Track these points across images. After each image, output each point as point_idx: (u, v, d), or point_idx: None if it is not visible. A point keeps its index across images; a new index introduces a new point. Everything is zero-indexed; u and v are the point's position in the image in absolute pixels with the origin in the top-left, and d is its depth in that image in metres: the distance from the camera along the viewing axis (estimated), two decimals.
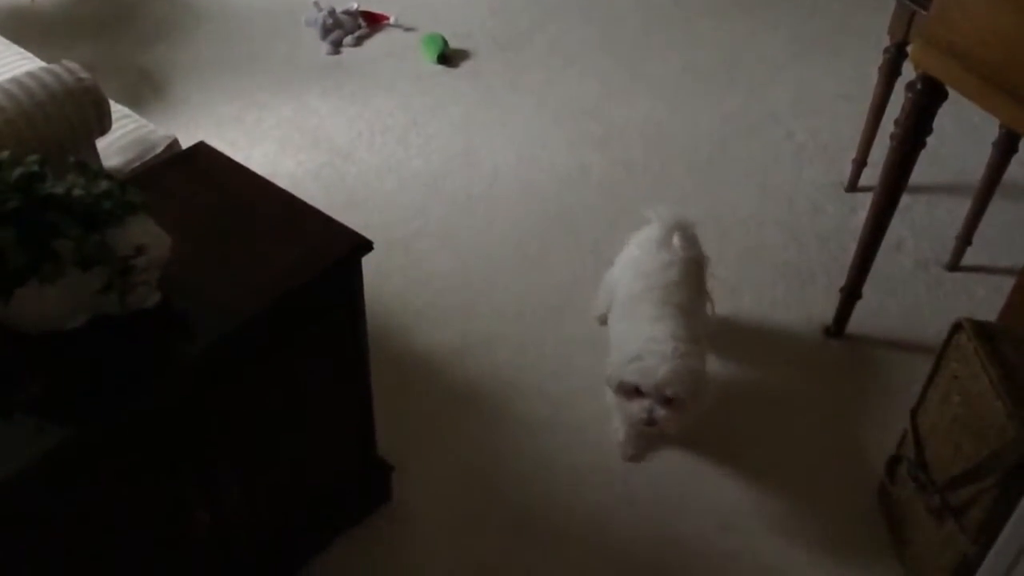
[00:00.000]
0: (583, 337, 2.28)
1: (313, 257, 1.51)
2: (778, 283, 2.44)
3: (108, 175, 1.35)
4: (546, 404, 2.15)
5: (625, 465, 2.03)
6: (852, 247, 2.23)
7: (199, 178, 1.63)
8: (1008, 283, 2.32)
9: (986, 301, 2.39)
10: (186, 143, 2.79)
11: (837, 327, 2.29)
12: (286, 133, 2.86)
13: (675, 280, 2.00)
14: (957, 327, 1.68)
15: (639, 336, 1.92)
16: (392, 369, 2.20)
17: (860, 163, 2.65)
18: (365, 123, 2.91)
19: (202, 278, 1.46)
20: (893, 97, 2.43)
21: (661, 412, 1.87)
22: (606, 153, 2.82)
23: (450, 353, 2.25)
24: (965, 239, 2.43)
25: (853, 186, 2.69)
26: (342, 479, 1.81)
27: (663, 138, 2.88)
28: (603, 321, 2.22)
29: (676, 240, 2.07)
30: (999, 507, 1.54)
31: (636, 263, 2.06)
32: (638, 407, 1.89)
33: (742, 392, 2.18)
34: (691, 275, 2.05)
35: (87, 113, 1.61)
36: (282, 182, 2.65)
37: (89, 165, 1.34)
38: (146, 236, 1.34)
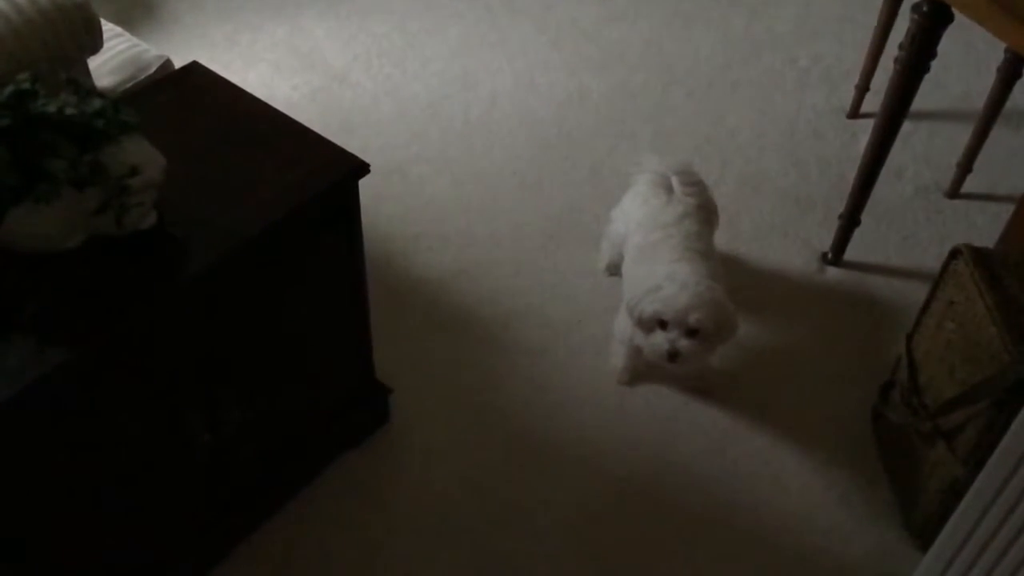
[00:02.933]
0: (579, 262, 2.28)
1: (310, 179, 1.50)
2: (777, 210, 2.43)
3: (101, 94, 1.33)
4: (542, 329, 2.15)
5: (620, 389, 2.05)
6: (852, 174, 2.22)
7: (193, 98, 1.61)
8: (1008, 210, 2.32)
9: (985, 229, 2.39)
10: (179, 65, 2.78)
11: (835, 254, 2.29)
12: (281, 56, 2.81)
13: (695, 230, 1.96)
14: (955, 253, 1.68)
15: (659, 275, 1.87)
16: (389, 294, 2.20)
17: (863, 88, 2.62)
18: (361, 46, 2.86)
19: (199, 200, 1.45)
20: (897, 22, 2.39)
21: (684, 343, 1.81)
22: (605, 77, 2.79)
23: (447, 278, 2.25)
24: (966, 166, 2.42)
25: (855, 112, 2.66)
26: (341, 401, 1.83)
27: (663, 62, 2.84)
28: (610, 271, 2.20)
29: (676, 186, 2.03)
30: (990, 431, 1.56)
31: (651, 215, 1.98)
32: (660, 339, 1.83)
33: (739, 317, 2.18)
34: (706, 223, 2.02)
35: (78, 30, 1.58)
36: (277, 106, 2.62)
37: (81, 83, 1.32)
38: (141, 156, 1.33)
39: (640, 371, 2.04)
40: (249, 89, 2.66)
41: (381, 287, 2.20)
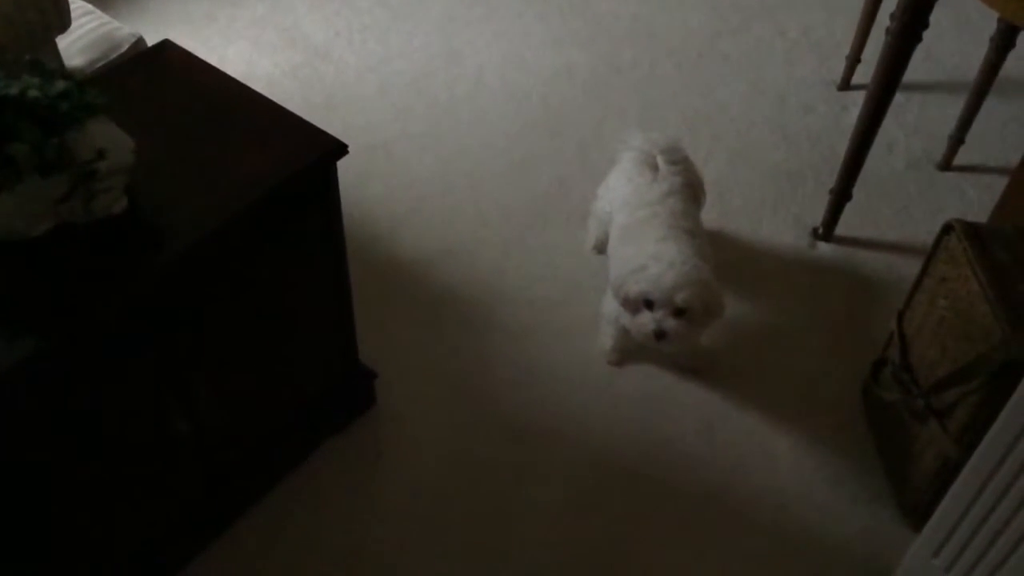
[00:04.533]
0: (567, 241, 2.25)
1: (287, 160, 1.45)
2: (767, 184, 2.39)
3: (66, 75, 1.28)
4: (530, 309, 2.12)
5: (609, 368, 2.02)
6: (843, 147, 2.18)
7: (165, 78, 1.56)
8: (1001, 183, 2.29)
9: (978, 202, 2.36)
10: (154, 42, 2.73)
11: (826, 229, 2.26)
12: (261, 32, 2.76)
13: (680, 208, 1.92)
14: (947, 228, 1.65)
15: (645, 254, 1.84)
16: (374, 276, 2.16)
17: (853, 60, 2.58)
18: (344, 21, 2.81)
19: (171, 183, 1.41)
20: None
21: (671, 323, 1.78)
22: (592, 51, 2.74)
23: (433, 259, 2.22)
24: (958, 138, 2.38)
25: (846, 84, 2.62)
26: (325, 386, 1.79)
27: (651, 35, 2.79)
28: (598, 250, 2.16)
29: (662, 164, 1.99)
30: (983, 410, 1.54)
31: (637, 194, 1.95)
32: (647, 319, 1.80)
33: (728, 295, 2.15)
34: (692, 200, 1.98)
35: (44, 7, 1.53)
36: (258, 84, 2.61)
37: (45, 64, 1.28)
38: (108, 139, 1.28)
39: (629, 351, 2.01)
40: (228, 67, 2.65)
41: (365, 268, 2.16)
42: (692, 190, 1.99)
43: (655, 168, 1.98)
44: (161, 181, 1.40)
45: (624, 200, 1.96)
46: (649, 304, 1.80)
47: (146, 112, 1.49)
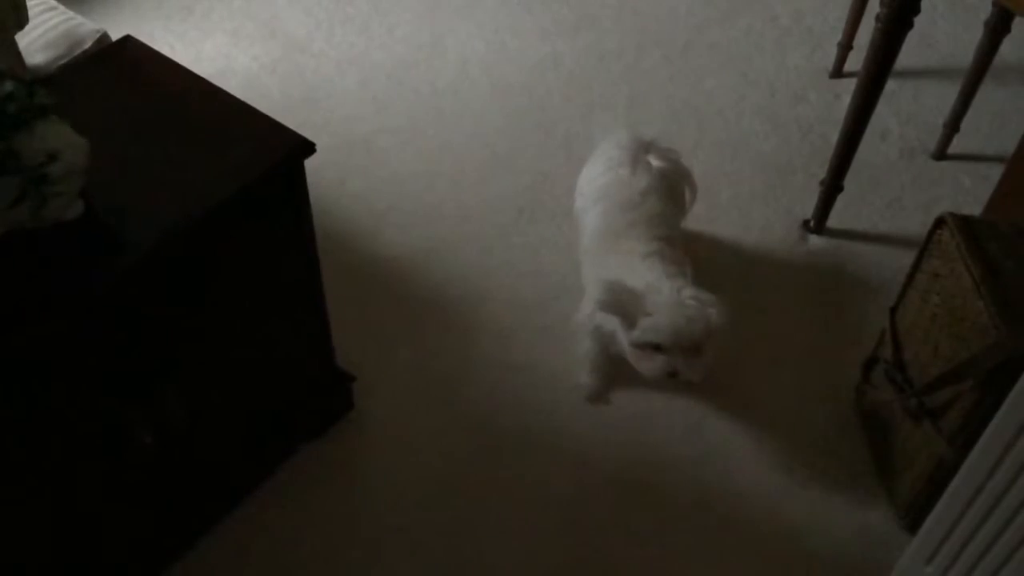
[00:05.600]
0: (552, 237, 2.19)
1: (251, 161, 1.40)
2: (757, 175, 2.34)
3: (14, 76, 1.22)
4: (513, 308, 2.07)
5: None
6: (835, 137, 2.12)
7: (126, 76, 1.50)
8: (996, 171, 2.23)
9: (973, 191, 2.30)
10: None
11: (818, 222, 2.20)
12: (239, 24, 2.69)
13: (658, 212, 1.86)
14: (939, 222, 1.60)
15: (636, 277, 1.75)
16: (353, 275, 2.11)
17: (845, 47, 2.52)
18: (324, 12, 2.74)
19: (130, 186, 1.35)
20: None
21: (684, 362, 1.71)
22: (578, 40, 2.67)
23: (414, 257, 2.16)
24: (953, 126, 2.32)
25: (838, 72, 2.56)
26: (299, 392, 1.74)
27: (638, 23, 2.72)
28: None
29: (647, 158, 1.92)
30: (977, 410, 1.49)
31: (615, 186, 1.88)
32: (659, 362, 1.72)
33: (716, 290, 2.10)
34: (670, 200, 1.92)
35: (1, 5, 1.47)
36: (236, 78, 2.56)
37: None
38: (59, 141, 1.22)
39: (610, 378, 1.92)
40: (205, 61, 2.60)
41: (343, 268, 2.11)
42: (674, 192, 1.93)
43: (637, 161, 1.91)
44: (119, 184, 1.34)
45: (602, 191, 1.89)
46: (658, 346, 1.72)
47: (105, 112, 1.43)
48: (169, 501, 1.61)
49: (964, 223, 1.55)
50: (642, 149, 1.94)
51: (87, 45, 1.72)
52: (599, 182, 1.92)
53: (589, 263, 1.90)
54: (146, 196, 1.34)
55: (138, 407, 1.41)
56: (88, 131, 1.28)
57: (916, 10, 1.81)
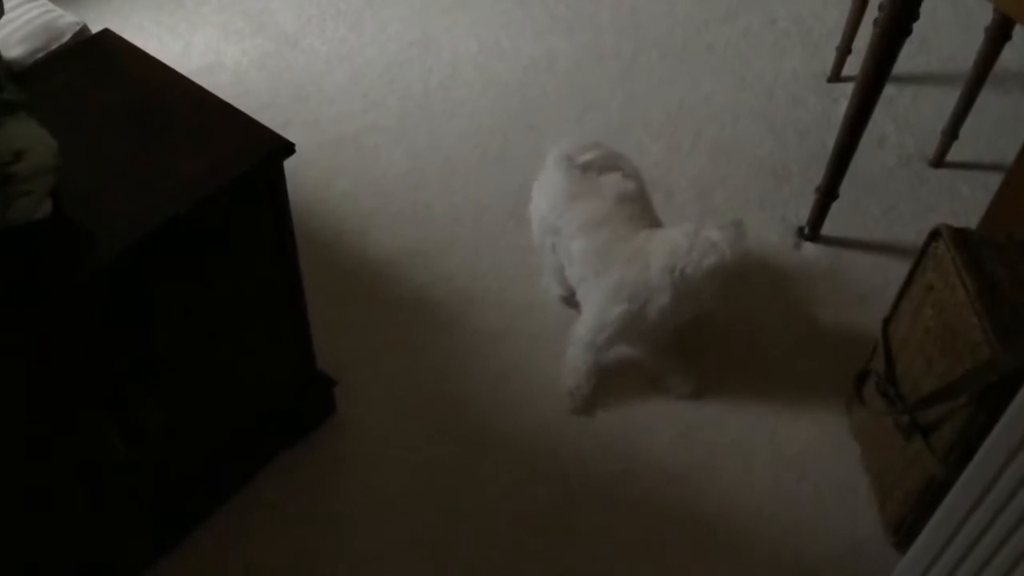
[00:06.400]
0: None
1: (228, 161, 1.36)
2: (752, 181, 2.30)
3: None
4: (501, 313, 2.03)
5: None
6: (832, 142, 2.08)
7: (102, 71, 1.46)
8: (995, 180, 2.19)
9: (971, 200, 2.26)
10: (117, 28, 2.60)
11: (812, 228, 2.16)
12: (229, 18, 2.65)
13: (637, 213, 1.85)
14: (935, 234, 1.56)
15: (655, 256, 1.75)
16: (339, 276, 2.07)
17: (844, 51, 2.48)
18: (316, 7, 2.70)
19: (102, 186, 1.31)
20: None
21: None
22: (574, 39, 2.63)
23: (401, 258, 2.12)
24: (951, 133, 2.28)
25: (836, 76, 2.52)
26: (278, 397, 1.70)
27: (635, 22, 2.68)
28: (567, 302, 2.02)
29: (599, 174, 1.89)
30: (970, 428, 1.45)
31: (586, 220, 1.85)
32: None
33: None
34: (639, 201, 1.89)
35: None
36: (225, 72, 2.52)
37: None
38: (27, 139, 1.19)
39: (594, 384, 1.89)
40: (195, 54, 2.56)
41: (329, 268, 2.07)
42: (642, 201, 1.90)
43: (586, 178, 1.88)
44: (91, 184, 1.31)
45: (579, 223, 1.84)
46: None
47: (79, 108, 1.40)
48: (143, 508, 1.57)
49: (960, 236, 1.52)
50: (574, 159, 1.91)
51: (65, 38, 1.67)
52: (576, 215, 1.86)
53: (588, 287, 1.86)
54: (119, 197, 1.30)
55: (110, 414, 1.37)
56: (60, 128, 1.24)
57: (915, 16, 1.77)
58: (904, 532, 1.64)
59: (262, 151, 1.37)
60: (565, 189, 1.87)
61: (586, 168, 1.89)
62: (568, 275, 1.90)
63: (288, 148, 1.38)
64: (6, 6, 1.51)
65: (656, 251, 1.76)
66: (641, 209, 1.86)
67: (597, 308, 1.83)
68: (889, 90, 2.04)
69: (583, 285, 1.87)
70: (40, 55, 1.65)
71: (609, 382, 1.92)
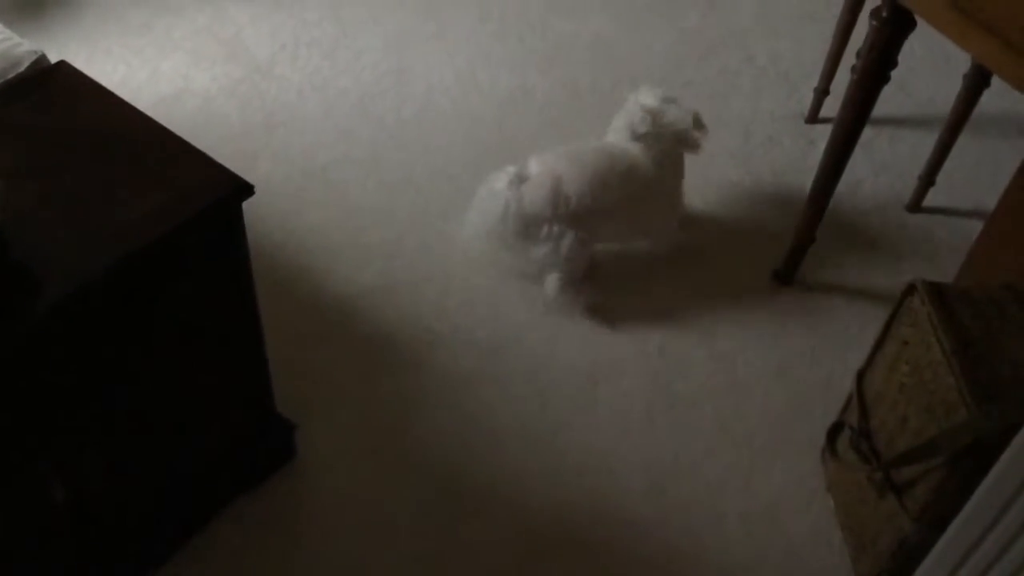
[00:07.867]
0: (515, 282, 2.11)
1: (184, 201, 1.31)
2: (727, 220, 2.27)
3: None
4: (471, 353, 1.98)
5: (552, 423, 1.88)
6: (808, 184, 2.05)
7: (54, 105, 1.41)
8: (972, 226, 2.17)
9: (947, 245, 2.24)
10: (85, 52, 2.56)
11: (787, 272, 2.13)
12: (200, 44, 2.60)
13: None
14: (911, 288, 1.52)
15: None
16: (303, 314, 2.02)
17: (822, 92, 2.46)
18: (289, 34, 2.66)
19: (48, 228, 1.25)
20: (861, 19, 2.22)
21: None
22: (550, 73, 2.60)
23: (369, 295, 2.07)
24: (928, 179, 2.27)
25: (813, 117, 2.50)
26: (234, 441, 1.64)
27: (613, 58, 2.66)
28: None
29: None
30: (946, 487, 1.41)
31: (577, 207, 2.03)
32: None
33: (682, 341, 2.03)
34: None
35: None
36: (194, 99, 2.46)
37: None
38: None
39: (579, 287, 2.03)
40: (162, 80, 2.50)
41: (293, 305, 2.02)
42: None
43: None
44: (36, 225, 1.25)
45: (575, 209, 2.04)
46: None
47: (28, 144, 1.34)
48: (93, 555, 1.50)
49: (936, 290, 1.48)
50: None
51: (22, 68, 1.62)
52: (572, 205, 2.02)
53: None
54: (64, 240, 1.24)
55: (49, 460, 1.30)
56: (8, 163, 1.19)
57: (893, 64, 1.75)
58: None
59: (219, 191, 1.32)
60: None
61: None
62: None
63: (247, 189, 1.33)
64: None
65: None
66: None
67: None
68: (867, 133, 2.02)
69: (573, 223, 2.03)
70: None
71: (582, 428, 1.87)
